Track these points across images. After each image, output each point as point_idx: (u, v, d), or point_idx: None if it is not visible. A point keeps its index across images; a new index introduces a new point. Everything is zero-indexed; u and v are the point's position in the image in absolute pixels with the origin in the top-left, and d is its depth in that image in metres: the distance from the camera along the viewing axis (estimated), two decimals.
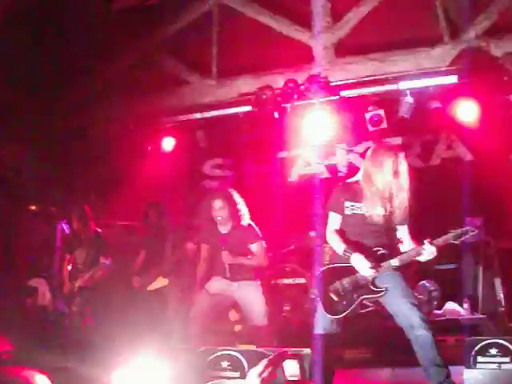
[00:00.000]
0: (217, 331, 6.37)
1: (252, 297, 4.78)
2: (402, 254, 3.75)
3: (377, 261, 3.69)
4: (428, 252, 3.61)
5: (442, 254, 3.71)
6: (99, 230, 6.00)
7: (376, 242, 3.77)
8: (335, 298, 3.75)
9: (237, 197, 4.97)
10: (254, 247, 4.84)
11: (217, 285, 4.82)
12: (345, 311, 3.72)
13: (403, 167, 3.80)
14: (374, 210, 3.75)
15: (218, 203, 4.85)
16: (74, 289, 5.66)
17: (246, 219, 4.92)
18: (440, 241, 3.62)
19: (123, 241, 7.19)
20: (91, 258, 5.78)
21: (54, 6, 6.02)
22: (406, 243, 3.83)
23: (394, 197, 3.78)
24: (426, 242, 3.61)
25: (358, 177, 3.95)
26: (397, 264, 3.68)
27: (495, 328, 5.35)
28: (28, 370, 1.66)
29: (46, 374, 1.66)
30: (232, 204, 4.87)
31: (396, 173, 3.76)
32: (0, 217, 7.35)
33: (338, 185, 4.03)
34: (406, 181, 3.80)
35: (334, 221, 3.89)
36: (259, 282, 4.90)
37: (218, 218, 4.83)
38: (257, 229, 4.93)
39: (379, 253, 3.72)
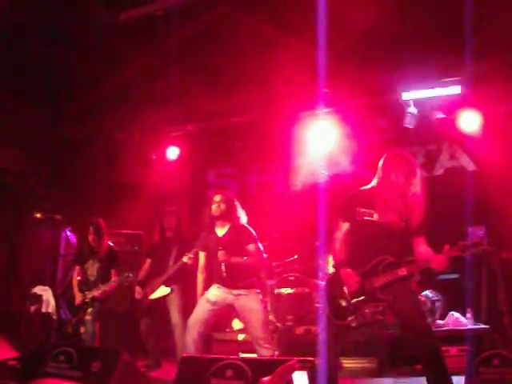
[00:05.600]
0: (220, 340, 6.40)
1: (251, 305, 4.74)
2: (410, 263, 3.77)
3: (384, 269, 3.72)
4: (438, 262, 3.62)
5: None
6: (112, 244, 6.03)
7: (387, 249, 3.77)
8: (342, 304, 3.78)
9: (236, 201, 5.05)
10: (250, 248, 4.85)
11: (216, 292, 4.80)
12: (351, 317, 3.74)
13: (417, 176, 3.83)
14: (386, 218, 3.76)
15: (218, 196, 4.96)
16: (86, 299, 5.67)
17: (243, 220, 4.97)
18: (452, 251, 3.64)
19: (127, 250, 7.22)
20: (104, 271, 5.80)
21: (62, 14, 6.06)
22: (423, 252, 3.80)
23: (409, 205, 3.79)
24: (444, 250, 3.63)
25: (373, 184, 3.96)
26: (404, 273, 3.71)
27: (498, 338, 5.35)
28: (60, 382, 1.69)
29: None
30: (231, 203, 4.97)
31: (410, 181, 3.79)
32: (5, 224, 7.38)
33: (351, 192, 4.03)
34: (421, 190, 3.81)
35: (342, 228, 3.93)
36: (258, 291, 4.88)
37: (217, 212, 4.88)
38: (253, 231, 4.94)
39: (387, 261, 3.75)
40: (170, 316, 5.67)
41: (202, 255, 5.08)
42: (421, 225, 3.82)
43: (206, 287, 4.97)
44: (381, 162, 3.94)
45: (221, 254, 4.72)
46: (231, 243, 4.81)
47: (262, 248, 4.97)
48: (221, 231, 4.95)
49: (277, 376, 1.73)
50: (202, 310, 4.75)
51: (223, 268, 4.73)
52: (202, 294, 4.93)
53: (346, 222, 3.92)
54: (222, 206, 4.91)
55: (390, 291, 3.71)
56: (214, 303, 4.75)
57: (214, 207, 4.92)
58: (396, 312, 3.82)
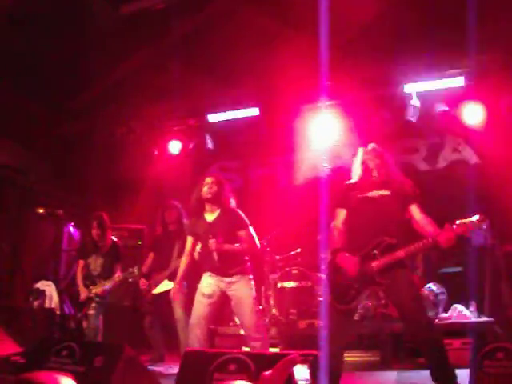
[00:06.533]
0: (223, 334, 6.41)
1: (242, 291, 4.60)
2: (407, 244, 3.77)
3: (383, 251, 3.75)
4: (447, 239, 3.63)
5: (448, 257, 3.73)
6: (115, 239, 6.03)
7: (384, 230, 3.81)
8: (343, 288, 3.78)
9: (226, 184, 4.86)
10: (242, 233, 4.66)
11: (209, 281, 4.67)
12: (353, 301, 3.75)
13: (378, 151, 4.10)
14: (378, 192, 3.94)
15: (209, 179, 4.76)
16: (91, 294, 5.68)
17: (233, 204, 4.78)
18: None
19: (129, 244, 7.22)
20: (108, 266, 5.80)
21: (62, 9, 6.04)
22: (419, 221, 3.86)
23: (392, 180, 4.00)
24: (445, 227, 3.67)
25: (357, 178, 4.16)
26: (402, 255, 3.71)
27: (502, 331, 5.34)
28: (53, 373, 1.68)
29: (72, 376, 1.68)
30: (222, 186, 4.76)
31: (377, 158, 4.07)
32: (7, 219, 7.38)
33: (344, 184, 4.21)
34: (385, 160, 4.09)
35: (340, 216, 4.05)
36: (251, 277, 4.71)
37: (208, 194, 4.68)
38: (244, 215, 4.74)
39: (385, 243, 3.76)
40: (173, 310, 5.67)
41: (189, 240, 4.88)
42: (410, 193, 3.93)
43: (188, 272, 4.88)
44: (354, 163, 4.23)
45: (212, 242, 4.55)
46: (222, 229, 4.62)
47: (254, 233, 4.75)
48: (210, 216, 4.74)
49: (278, 369, 1.72)
50: (200, 306, 4.62)
51: (215, 257, 4.58)
52: (181, 278, 4.87)
53: (343, 208, 4.05)
54: (214, 188, 4.69)
55: (389, 275, 3.73)
56: (209, 296, 4.61)
57: (205, 189, 4.70)
58: (394, 298, 3.83)
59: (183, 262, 4.89)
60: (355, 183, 4.14)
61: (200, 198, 4.72)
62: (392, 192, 3.93)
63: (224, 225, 4.65)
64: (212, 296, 4.61)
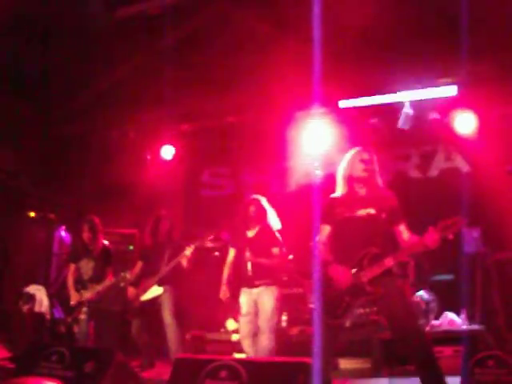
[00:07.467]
0: (214, 340, 6.39)
1: (265, 300, 5.10)
2: (395, 251, 3.75)
3: (370, 262, 3.72)
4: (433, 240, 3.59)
5: (439, 265, 3.72)
6: (106, 243, 5.99)
7: (370, 241, 3.78)
8: (334, 301, 3.77)
9: (269, 207, 5.47)
10: (275, 251, 5.26)
11: (243, 299, 5.18)
12: (345, 314, 3.73)
13: (373, 163, 4.00)
14: (365, 211, 3.88)
15: (253, 199, 5.44)
16: (82, 299, 5.63)
17: (274, 226, 5.40)
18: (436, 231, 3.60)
19: (120, 249, 7.19)
20: (99, 270, 5.76)
21: (56, 12, 6.04)
22: (408, 240, 3.81)
23: (379, 196, 3.93)
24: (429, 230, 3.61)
25: (342, 191, 4.07)
26: (391, 263, 3.70)
27: (493, 339, 5.35)
28: (42, 379, 1.67)
29: (61, 382, 1.67)
30: (263, 208, 5.42)
31: (368, 170, 3.95)
32: None
33: (329, 198, 4.12)
34: (378, 179, 4.01)
35: (323, 232, 4.01)
36: (276, 288, 5.21)
37: (249, 213, 5.36)
38: (278, 235, 5.36)
39: (372, 254, 3.74)
40: (163, 316, 5.63)
41: (232, 251, 5.48)
42: (397, 214, 3.86)
43: (230, 282, 5.35)
44: (339, 170, 4.10)
45: (247, 254, 5.17)
46: (258, 245, 5.24)
47: (285, 252, 5.39)
48: (251, 233, 5.39)
49: None
50: (242, 325, 5.20)
51: (249, 267, 5.15)
52: (225, 286, 5.32)
53: (327, 224, 4.00)
54: (257, 210, 5.38)
55: (379, 284, 3.71)
56: (246, 314, 5.14)
57: (250, 208, 5.39)
58: (384, 306, 3.80)
59: (225, 273, 5.43)
60: (340, 198, 4.05)
61: (244, 215, 5.41)
62: (379, 210, 3.87)
63: (260, 241, 5.29)
64: (249, 313, 5.15)
